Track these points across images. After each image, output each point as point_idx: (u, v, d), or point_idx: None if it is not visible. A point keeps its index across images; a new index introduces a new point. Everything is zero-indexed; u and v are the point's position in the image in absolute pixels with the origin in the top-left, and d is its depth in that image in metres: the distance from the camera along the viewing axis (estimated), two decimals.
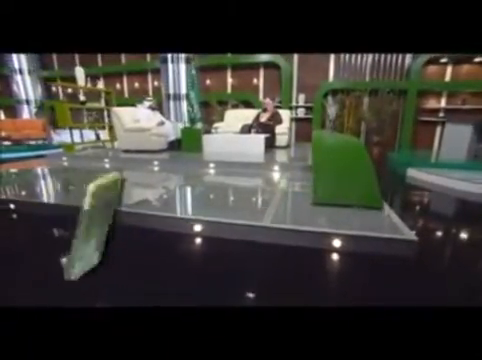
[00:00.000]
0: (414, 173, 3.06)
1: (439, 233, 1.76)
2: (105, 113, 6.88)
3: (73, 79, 8.14)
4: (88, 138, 5.56)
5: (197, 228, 1.50)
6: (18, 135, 6.33)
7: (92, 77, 5.95)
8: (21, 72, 7.86)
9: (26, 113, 8.07)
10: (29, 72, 7.92)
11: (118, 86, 7.72)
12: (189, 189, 2.48)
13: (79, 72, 4.53)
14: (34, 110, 7.97)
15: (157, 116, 4.32)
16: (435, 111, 5.57)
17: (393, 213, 1.66)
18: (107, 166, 3.48)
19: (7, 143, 6.36)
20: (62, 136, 8.10)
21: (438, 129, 5.64)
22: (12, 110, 8.10)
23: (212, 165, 3.03)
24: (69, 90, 8.20)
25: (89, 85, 5.41)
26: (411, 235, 1.33)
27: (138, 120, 4.09)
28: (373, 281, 1.13)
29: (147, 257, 1.31)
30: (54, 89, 8.50)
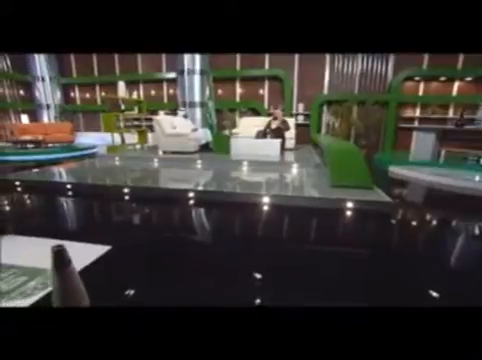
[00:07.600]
0: (395, 169, 4.13)
1: (405, 200, 3.01)
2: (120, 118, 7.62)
3: (90, 85, 8.91)
4: (106, 141, 6.60)
5: (265, 200, 2.49)
6: (50, 138, 6.85)
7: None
8: (43, 79, 8.51)
9: (45, 117, 8.76)
10: (50, 79, 8.58)
11: (135, 93, 8.52)
12: (242, 177, 3.43)
13: (121, 86, 5.37)
14: (55, 114, 8.66)
15: (189, 123, 5.24)
16: (411, 119, 6.78)
17: (380, 190, 2.70)
18: (157, 165, 4.39)
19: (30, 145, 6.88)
20: (81, 139, 8.84)
21: (414, 134, 6.83)
22: (33, 114, 8.74)
23: (245, 163, 4.01)
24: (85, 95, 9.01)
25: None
26: (390, 199, 2.41)
27: (175, 127, 5.01)
28: (369, 221, 2.22)
29: (233, 218, 2.30)
30: (72, 94, 9.22)
